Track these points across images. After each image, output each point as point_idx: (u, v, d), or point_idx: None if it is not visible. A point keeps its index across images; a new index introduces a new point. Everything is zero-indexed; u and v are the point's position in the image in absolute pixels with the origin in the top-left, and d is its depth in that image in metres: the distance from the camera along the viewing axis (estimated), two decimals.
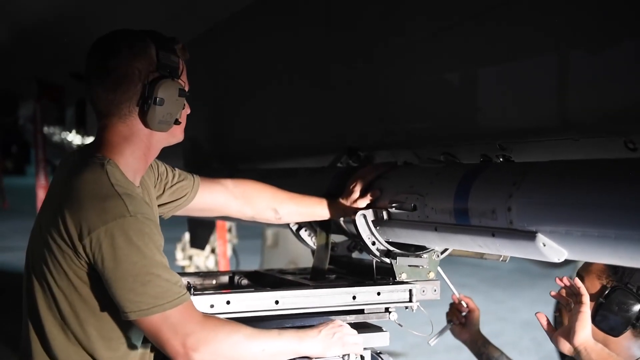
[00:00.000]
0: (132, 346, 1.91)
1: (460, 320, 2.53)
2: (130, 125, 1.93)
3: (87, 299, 1.84)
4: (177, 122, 1.95)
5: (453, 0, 2.33)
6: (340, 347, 2.01)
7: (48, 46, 5.65)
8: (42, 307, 1.88)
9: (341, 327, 2.04)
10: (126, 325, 1.86)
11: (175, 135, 2.01)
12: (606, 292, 2.06)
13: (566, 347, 1.96)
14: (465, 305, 2.54)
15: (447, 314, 2.57)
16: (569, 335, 1.95)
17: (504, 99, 2.16)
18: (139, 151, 1.95)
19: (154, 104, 1.88)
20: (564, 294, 2.05)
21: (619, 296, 2.04)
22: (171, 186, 2.22)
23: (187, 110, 2.03)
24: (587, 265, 2.15)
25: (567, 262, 2.42)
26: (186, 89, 1.98)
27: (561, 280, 2.04)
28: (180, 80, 1.95)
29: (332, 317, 2.11)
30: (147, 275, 1.75)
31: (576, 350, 1.94)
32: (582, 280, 2.10)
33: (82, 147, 2.05)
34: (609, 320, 2.05)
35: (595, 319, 2.04)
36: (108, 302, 1.82)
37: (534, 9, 2.01)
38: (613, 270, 2.08)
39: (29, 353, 1.91)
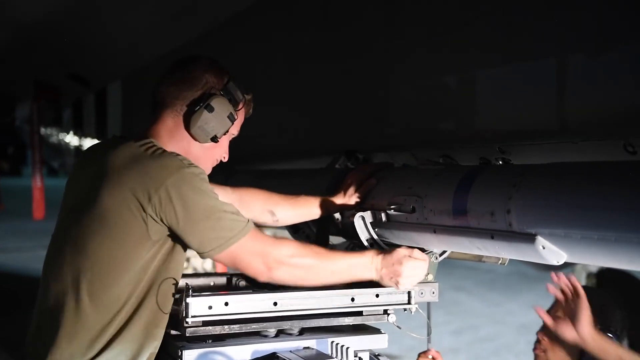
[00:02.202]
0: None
1: None
2: (176, 123, 2.07)
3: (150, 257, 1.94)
4: (214, 140, 2.08)
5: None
6: (394, 284, 2.13)
7: (46, 47, 5.64)
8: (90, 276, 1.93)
9: (401, 267, 2.10)
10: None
11: (206, 158, 2.11)
12: None
13: (572, 334, 2.10)
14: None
15: None
16: (574, 322, 2.09)
17: (504, 102, 2.16)
18: (178, 150, 2.05)
19: (204, 108, 2.04)
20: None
21: None
22: None
23: (225, 154, 2.16)
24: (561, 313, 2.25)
25: (564, 265, 2.43)
26: (237, 132, 2.15)
27: (558, 278, 2.13)
28: (236, 112, 2.11)
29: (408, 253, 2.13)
30: (216, 213, 1.92)
31: (581, 336, 2.08)
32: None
33: (126, 136, 2.13)
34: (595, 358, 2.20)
35: (583, 357, 2.24)
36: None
37: (532, 11, 2.02)
38: (597, 314, 2.22)
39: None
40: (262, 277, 2.01)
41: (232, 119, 2.10)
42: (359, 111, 2.88)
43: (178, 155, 1.96)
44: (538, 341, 2.42)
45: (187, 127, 2.06)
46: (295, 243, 2.08)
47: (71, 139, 8.20)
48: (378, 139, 2.79)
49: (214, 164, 2.16)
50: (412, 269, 2.11)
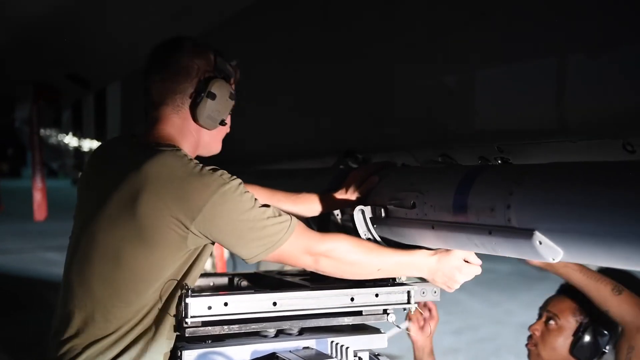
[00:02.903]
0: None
1: (420, 324, 2.54)
2: (182, 118, 2.07)
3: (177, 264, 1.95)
4: (222, 123, 2.10)
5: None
6: (445, 287, 2.16)
7: (45, 48, 5.64)
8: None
9: (459, 274, 2.12)
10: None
11: (216, 140, 2.15)
12: (581, 328, 2.43)
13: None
14: (428, 310, 2.55)
15: (409, 314, 2.56)
16: None
17: (503, 101, 2.17)
18: (190, 146, 2.09)
19: (206, 97, 2.04)
20: None
21: (591, 331, 2.41)
22: None
23: (227, 127, 2.16)
24: (560, 304, 2.45)
25: None
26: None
27: None
28: (232, 87, 2.11)
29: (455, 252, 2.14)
30: (260, 222, 1.94)
31: None
32: (557, 317, 2.45)
33: (135, 138, 2.12)
34: (584, 350, 2.42)
35: (574, 350, 2.42)
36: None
37: (531, 11, 2.02)
38: (586, 308, 2.43)
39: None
40: (310, 269, 2.09)
41: (232, 97, 2.10)
42: (357, 111, 2.88)
43: (216, 170, 1.95)
44: (530, 336, 2.54)
45: (195, 119, 2.06)
46: (343, 237, 2.10)
47: (70, 140, 8.19)
48: (377, 139, 2.80)
49: (222, 139, 2.18)
50: (467, 275, 2.13)
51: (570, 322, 2.44)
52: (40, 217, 8.10)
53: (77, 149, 7.94)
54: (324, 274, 2.09)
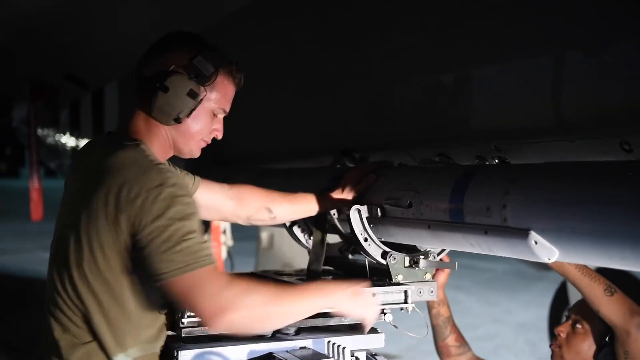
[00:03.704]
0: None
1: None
2: (146, 112, 2.02)
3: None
4: (178, 120, 1.99)
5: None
6: (362, 309, 2.03)
7: (42, 48, 5.64)
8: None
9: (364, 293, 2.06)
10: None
11: (184, 141, 2.03)
12: (607, 336, 2.32)
13: None
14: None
15: None
16: None
17: (500, 99, 2.16)
18: (158, 141, 2.02)
19: (158, 89, 1.95)
20: None
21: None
22: None
23: (218, 133, 2.07)
24: (590, 308, 2.32)
25: None
26: (224, 107, 2.04)
27: None
28: (203, 88, 1.98)
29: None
30: (182, 236, 1.80)
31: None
32: (585, 321, 2.37)
33: (110, 134, 2.12)
34: (610, 356, 2.30)
35: (598, 357, 2.33)
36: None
37: (528, 10, 2.02)
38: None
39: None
40: (212, 317, 1.79)
41: (194, 96, 1.97)
42: (355, 110, 2.87)
43: (168, 171, 1.88)
44: (555, 337, 2.46)
45: (148, 112, 1.99)
46: (252, 286, 1.86)
47: (68, 140, 8.18)
48: (374, 138, 2.80)
49: (201, 145, 2.07)
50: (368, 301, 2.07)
51: (597, 328, 2.34)
52: (37, 217, 8.10)
53: (75, 149, 7.93)
54: (228, 331, 1.91)
